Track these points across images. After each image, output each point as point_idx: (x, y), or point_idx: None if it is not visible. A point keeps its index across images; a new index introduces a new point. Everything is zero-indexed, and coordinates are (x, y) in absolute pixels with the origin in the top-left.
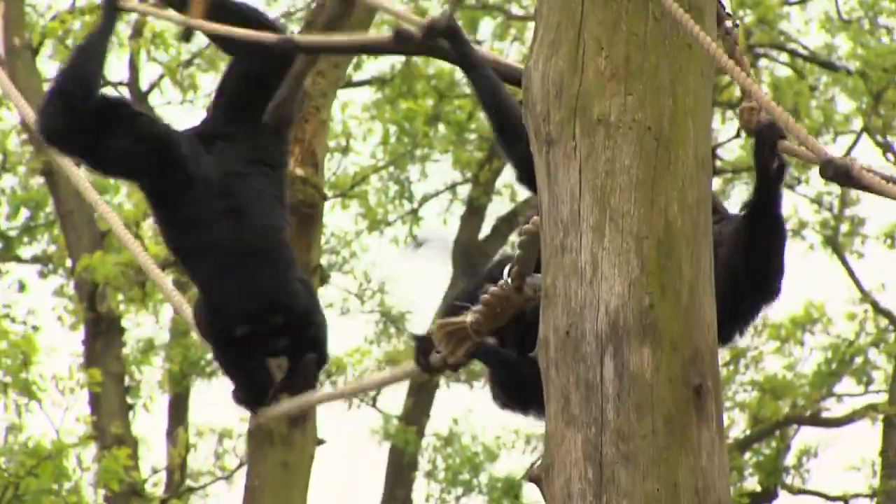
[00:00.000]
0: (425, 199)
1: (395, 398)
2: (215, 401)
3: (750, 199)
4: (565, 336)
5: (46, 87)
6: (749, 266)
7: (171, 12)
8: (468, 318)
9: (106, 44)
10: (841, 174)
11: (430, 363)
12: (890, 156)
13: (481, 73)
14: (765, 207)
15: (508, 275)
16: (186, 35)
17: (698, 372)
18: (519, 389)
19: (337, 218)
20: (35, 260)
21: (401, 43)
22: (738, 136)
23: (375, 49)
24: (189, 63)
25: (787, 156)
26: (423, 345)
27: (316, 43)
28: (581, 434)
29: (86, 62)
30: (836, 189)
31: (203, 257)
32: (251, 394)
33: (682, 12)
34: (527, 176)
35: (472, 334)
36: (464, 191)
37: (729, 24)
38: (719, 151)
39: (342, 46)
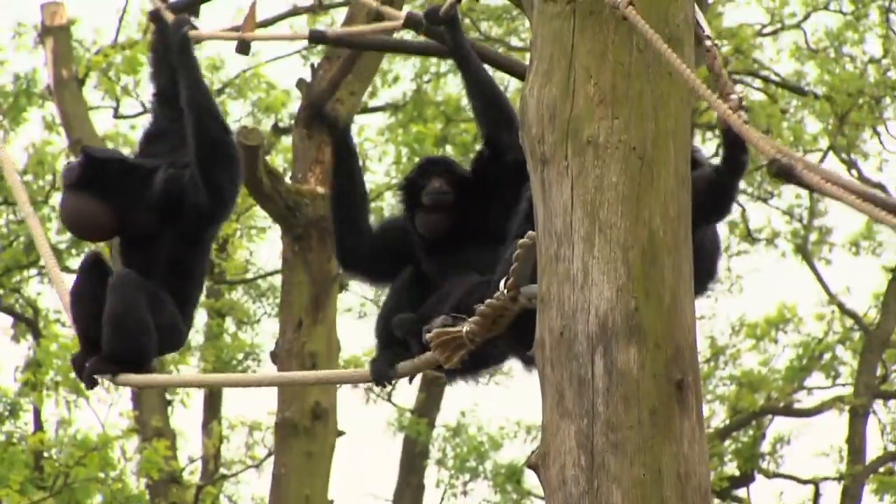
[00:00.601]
0: None
1: (408, 393)
2: (245, 397)
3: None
4: (559, 337)
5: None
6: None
7: (229, 32)
8: (465, 328)
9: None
10: (784, 171)
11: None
12: (854, 172)
13: (470, 59)
14: (731, 181)
15: (504, 286)
16: (243, 48)
17: (680, 368)
18: None
19: None
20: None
21: (410, 25)
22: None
23: (389, 46)
24: (221, 91)
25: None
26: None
27: (341, 35)
28: (574, 425)
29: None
30: (805, 202)
31: None
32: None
33: (663, 44)
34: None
35: (468, 343)
36: None
37: (708, 42)
38: None
39: (363, 36)
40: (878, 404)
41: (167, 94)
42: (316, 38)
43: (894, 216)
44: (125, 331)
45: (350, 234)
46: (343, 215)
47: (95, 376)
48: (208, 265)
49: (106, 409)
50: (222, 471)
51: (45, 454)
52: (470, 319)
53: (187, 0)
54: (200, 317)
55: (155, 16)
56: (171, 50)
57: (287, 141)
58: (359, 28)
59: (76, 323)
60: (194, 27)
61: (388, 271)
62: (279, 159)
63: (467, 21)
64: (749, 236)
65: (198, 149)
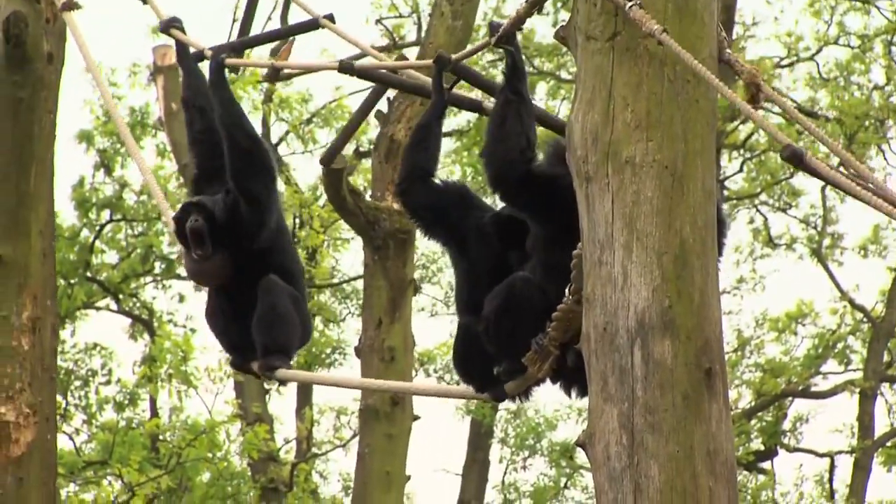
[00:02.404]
0: None
1: None
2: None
3: None
4: (603, 331)
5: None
6: None
7: (262, 59)
8: (545, 339)
9: (233, 96)
10: (796, 157)
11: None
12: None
13: (519, 91)
14: None
15: (569, 292)
16: (273, 75)
17: (708, 358)
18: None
19: (426, 241)
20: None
21: (439, 64)
22: (740, 170)
23: (407, 87)
24: (309, 121)
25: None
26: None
27: (367, 68)
28: (616, 408)
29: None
30: (820, 211)
31: None
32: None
33: (692, 59)
34: (503, 180)
35: (552, 349)
36: None
37: (728, 52)
38: (726, 183)
39: (390, 72)
40: (884, 387)
41: (201, 137)
42: (345, 69)
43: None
44: (280, 326)
45: (419, 157)
46: (419, 139)
47: (270, 372)
48: (301, 266)
49: (212, 398)
50: (314, 450)
51: (160, 437)
52: (548, 329)
53: (229, 45)
54: None
55: (184, 61)
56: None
57: (367, 163)
58: (388, 63)
59: (220, 336)
60: (230, 55)
61: (430, 218)
62: (360, 180)
63: (523, 57)
64: (770, 241)
65: (230, 161)
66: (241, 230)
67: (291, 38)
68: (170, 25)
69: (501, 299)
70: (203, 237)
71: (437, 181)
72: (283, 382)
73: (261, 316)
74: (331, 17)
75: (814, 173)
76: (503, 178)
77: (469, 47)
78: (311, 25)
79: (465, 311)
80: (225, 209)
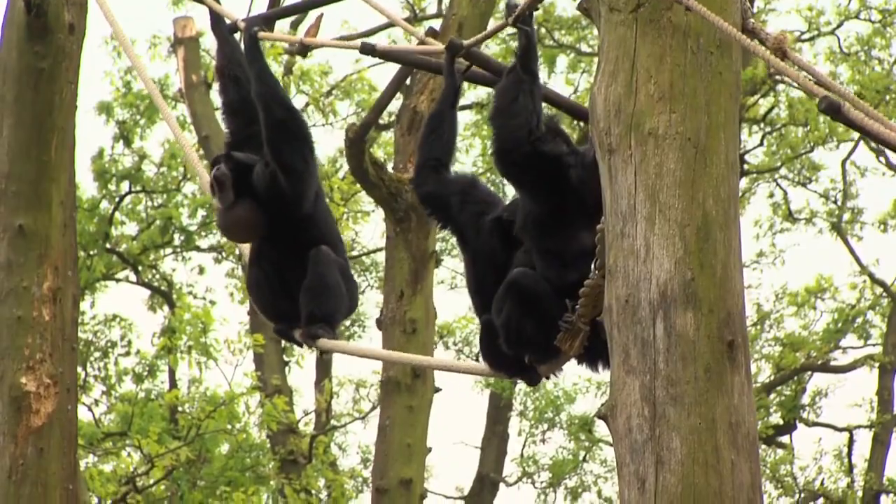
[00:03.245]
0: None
1: None
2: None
3: None
4: (625, 304)
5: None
6: None
7: (292, 36)
8: (573, 316)
9: (269, 68)
10: (833, 109)
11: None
12: (882, 158)
13: (531, 71)
14: None
15: (595, 268)
16: (303, 51)
17: (730, 330)
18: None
19: None
20: (210, 249)
21: (450, 49)
22: (760, 144)
23: (424, 65)
24: (329, 93)
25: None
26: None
27: (387, 50)
28: (638, 381)
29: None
30: (840, 185)
31: None
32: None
33: (720, 20)
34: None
35: (582, 326)
36: None
37: (751, 21)
38: (746, 157)
39: (408, 54)
40: None
41: (235, 105)
42: (367, 50)
43: None
44: (327, 296)
45: (432, 148)
46: (433, 128)
47: (312, 340)
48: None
49: (232, 369)
50: (333, 422)
51: (179, 409)
52: (576, 305)
53: (262, 16)
54: None
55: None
56: (244, 47)
57: (388, 136)
58: (404, 47)
59: (261, 305)
60: (262, 29)
61: (436, 208)
62: (381, 152)
63: (542, 30)
64: (790, 216)
65: (267, 132)
66: (282, 200)
67: (320, 14)
68: None
69: (508, 308)
70: (224, 184)
71: (448, 172)
72: (324, 352)
73: (309, 285)
74: None
75: (851, 125)
76: (509, 154)
77: (485, 28)
78: None
79: (479, 307)
80: (264, 179)
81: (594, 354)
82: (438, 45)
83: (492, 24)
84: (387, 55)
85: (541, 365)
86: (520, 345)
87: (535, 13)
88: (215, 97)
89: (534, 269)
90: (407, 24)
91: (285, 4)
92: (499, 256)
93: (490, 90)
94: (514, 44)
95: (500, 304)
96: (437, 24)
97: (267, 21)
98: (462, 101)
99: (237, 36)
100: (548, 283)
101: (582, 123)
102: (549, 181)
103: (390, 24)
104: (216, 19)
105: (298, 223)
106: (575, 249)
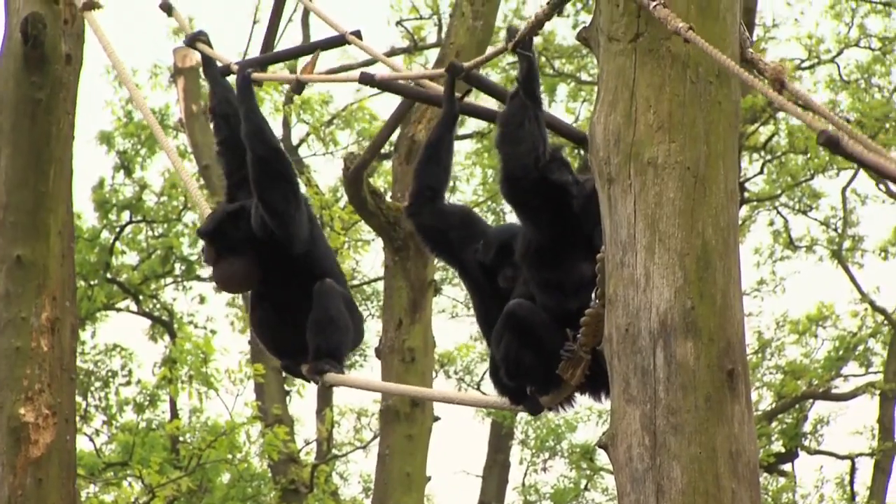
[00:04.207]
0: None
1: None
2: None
3: None
4: (625, 332)
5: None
6: None
7: (287, 73)
8: (575, 345)
9: (258, 109)
10: (832, 143)
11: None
12: (882, 186)
13: (535, 96)
14: None
15: (596, 297)
16: (299, 88)
17: (730, 359)
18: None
19: None
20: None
21: (451, 72)
22: (760, 172)
23: (422, 97)
24: (330, 122)
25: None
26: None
27: (386, 79)
28: (639, 410)
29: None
30: (840, 212)
31: None
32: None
33: (719, 54)
34: (517, 182)
35: (584, 355)
36: None
37: (750, 52)
38: (746, 185)
39: (407, 81)
40: None
41: (229, 143)
42: (365, 80)
43: None
44: (333, 330)
45: (429, 176)
46: (430, 155)
47: (319, 376)
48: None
49: (233, 399)
50: (334, 451)
51: (181, 439)
52: (577, 334)
53: (256, 60)
54: None
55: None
56: (237, 93)
57: (387, 165)
58: (404, 73)
59: (267, 343)
60: (256, 70)
61: (434, 240)
62: (380, 181)
63: (542, 59)
64: (791, 244)
65: (252, 171)
66: (276, 240)
67: (317, 51)
68: (196, 39)
69: (506, 340)
70: (206, 246)
71: (442, 201)
72: (331, 386)
73: (315, 319)
74: (358, 34)
75: (851, 158)
76: (517, 180)
77: (483, 54)
78: (338, 41)
79: (488, 336)
80: (256, 220)
81: (596, 384)
82: (439, 70)
83: (491, 50)
84: (385, 86)
85: (543, 395)
86: (520, 376)
87: (535, 41)
88: None
89: (532, 300)
90: (397, 65)
91: (278, 50)
92: (495, 282)
93: (483, 123)
94: (515, 72)
95: (499, 336)
96: (435, 53)
97: (260, 65)
98: (462, 131)
99: (230, 78)
100: (548, 313)
101: (583, 151)
102: (554, 209)
103: (392, 53)
104: (207, 62)
105: (297, 261)
106: (575, 279)
